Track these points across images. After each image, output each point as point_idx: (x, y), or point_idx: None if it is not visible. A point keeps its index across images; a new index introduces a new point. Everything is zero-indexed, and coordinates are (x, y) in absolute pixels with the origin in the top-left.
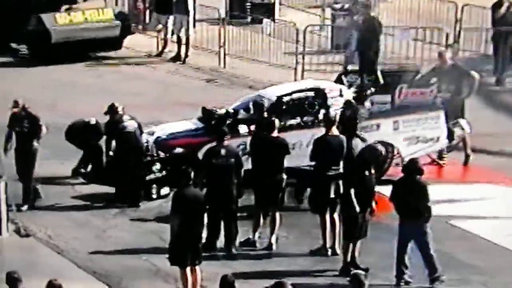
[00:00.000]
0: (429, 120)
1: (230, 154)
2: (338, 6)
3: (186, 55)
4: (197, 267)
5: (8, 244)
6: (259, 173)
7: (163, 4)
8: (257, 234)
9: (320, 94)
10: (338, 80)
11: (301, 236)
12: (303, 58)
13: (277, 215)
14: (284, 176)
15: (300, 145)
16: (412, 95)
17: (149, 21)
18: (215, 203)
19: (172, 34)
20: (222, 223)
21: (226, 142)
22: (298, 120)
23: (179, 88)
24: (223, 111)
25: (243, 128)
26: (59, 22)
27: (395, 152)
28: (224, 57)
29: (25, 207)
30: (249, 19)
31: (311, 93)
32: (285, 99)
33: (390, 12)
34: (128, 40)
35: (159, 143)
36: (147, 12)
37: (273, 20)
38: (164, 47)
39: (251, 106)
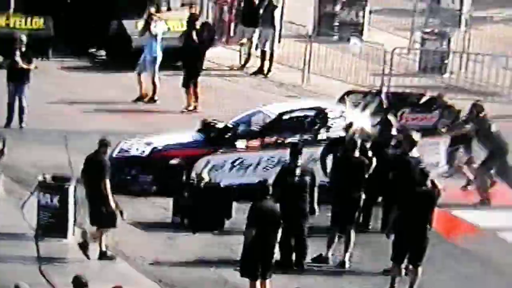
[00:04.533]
0: (428, 145)
1: (305, 173)
2: (427, 29)
3: (269, 70)
4: (267, 281)
5: (74, 248)
6: (338, 191)
7: (250, 17)
8: (330, 251)
9: (321, 114)
10: (342, 100)
11: (375, 255)
12: (389, 80)
13: (352, 232)
14: (363, 195)
15: None
16: (414, 120)
17: (234, 34)
18: (287, 220)
19: (256, 48)
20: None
21: (300, 161)
22: (297, 138)
23: (259, 102)
24: (222, 124)
25: (240, 143)
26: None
27: None
28: (308, 74)
29: None
30: (336, 37)
31: (312, 112)
32: (286, 116)
33: (481, 39)
34: (210, 52)
35: (155, 153)
36: (232, 24)
37: (361, 40)
38: (247, 60)
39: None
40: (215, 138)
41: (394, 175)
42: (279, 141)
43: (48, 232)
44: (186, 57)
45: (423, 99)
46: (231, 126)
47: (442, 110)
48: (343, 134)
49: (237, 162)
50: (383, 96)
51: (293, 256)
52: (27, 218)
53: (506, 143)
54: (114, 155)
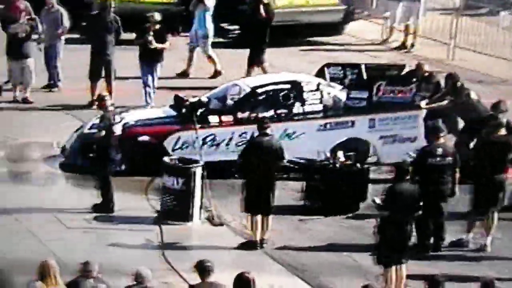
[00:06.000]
0: (406, 119)
1: (447, 153)
2: None
3: (413, 45)
4: (403, 266)
5: (199, 232)
6: (481, 172)
7: None
8: (471, 235)
9: (296, 87)
10: (320, 73)
11: None
12: None
13: (495, 215)
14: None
15: None
16: (391, 92)
17: (376, 7)
18: (426, 203)
19: (400, 22)
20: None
21: (442, 140)
22: (271, 112)
23: None
24: (195, 99)
25: (213, 118)
26: (278, 4)
27: (371, 151)
28: (454, 49)
29: None
30: (485, 10)
31: (287, 86)
32: (260, 90)
33: None
34: (351, 27)
35: (126, 129)
36: None
37: None
38: (389, 35)
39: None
40: (187, 113)
41: None
42: (252, 116)
43: (172, 215)
44: (252, 32)
45: (403, 72)
46: (204, 101)
47: (420, 82)
48: (318, 107)
49: (209, 138)
50: (362, 68)
51: (431, 240)
52: (151, 201)
53: (487, 112)
54: (85, 131)
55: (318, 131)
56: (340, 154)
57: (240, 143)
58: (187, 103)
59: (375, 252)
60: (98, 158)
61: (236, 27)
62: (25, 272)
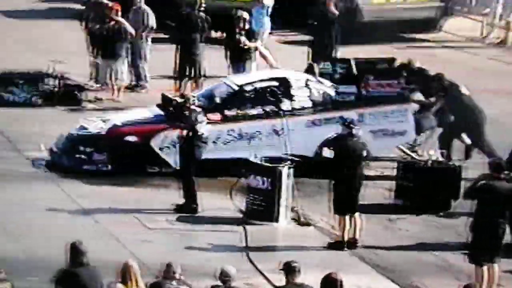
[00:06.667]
0: (395, 113)
1: None
2: None
3: None
4: (495, 265)
5: (285, 232)
6: None
7: None
8: None
9: (284, 84)
10: (309, 69)
11: None
12: None
13: None
14: None
15: (260, 136)
16: (379, 86)
17: (476, 4)
18: None
19: (500, 18)
20: None
21: None
22: (259, 109)
23: (496, 75)
24: (182, 99)
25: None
26: (373, 1)
27: None
28: None
29: None
30: None
31: (275, 83)
32: (248, 87)
33: None
34: (449, 24)
35: (113, 130)
36: None
37: None
38: (489, 32)
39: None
40: (174, 113)
41: None
42: (239, 113)
43: (258, 216)
44: (319, 29)
45: (393, 65)
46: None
47: (409, 76)
48: (307, 104)
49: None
50: (352, 62)
51: None
52: (236, 201)
53: (478, 109)
54: (73, 132)
55: (307, 127)
56: (432, 151)
57: (227, 141)
58: (175, 102)
59: (468, 252)
60: (181, 158)
61: None
62: (106, 274)
